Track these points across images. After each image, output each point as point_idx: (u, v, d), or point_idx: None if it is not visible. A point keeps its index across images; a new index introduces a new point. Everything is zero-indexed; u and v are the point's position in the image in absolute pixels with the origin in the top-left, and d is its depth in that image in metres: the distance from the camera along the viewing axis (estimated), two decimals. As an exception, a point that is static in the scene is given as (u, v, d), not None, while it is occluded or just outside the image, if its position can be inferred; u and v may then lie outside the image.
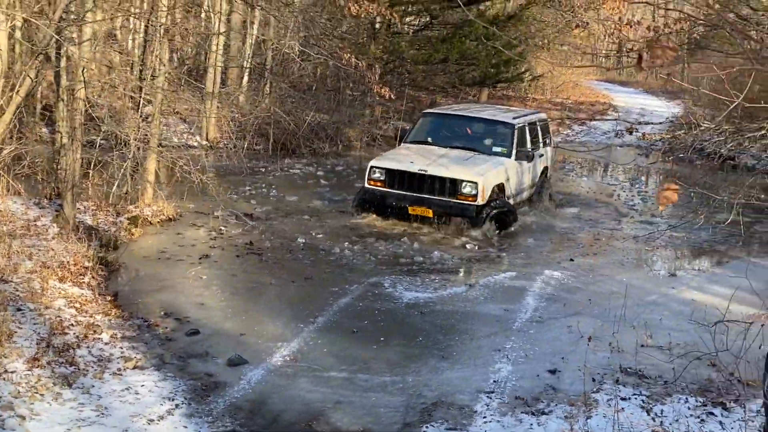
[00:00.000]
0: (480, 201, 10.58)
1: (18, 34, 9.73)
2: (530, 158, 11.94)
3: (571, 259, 9.80)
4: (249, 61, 18.97)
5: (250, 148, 16.65)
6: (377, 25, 19.34)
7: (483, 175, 10.74)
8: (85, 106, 9.62)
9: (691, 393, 5.85)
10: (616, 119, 23.56)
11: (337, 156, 16.94)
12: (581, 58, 29.28)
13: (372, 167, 11.10)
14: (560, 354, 6.62)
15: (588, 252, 10.34)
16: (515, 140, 11.78)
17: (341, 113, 18.84)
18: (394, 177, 10.90)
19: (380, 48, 18.91)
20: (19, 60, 10.61)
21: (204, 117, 16.87)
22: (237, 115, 17.47)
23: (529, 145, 12.20)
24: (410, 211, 10.83)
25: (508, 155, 11.67)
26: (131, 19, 15.90)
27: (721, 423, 5.39)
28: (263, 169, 14.71)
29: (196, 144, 16.51)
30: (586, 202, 13.79)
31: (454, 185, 10.64)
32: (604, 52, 31.57)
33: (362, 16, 10.16)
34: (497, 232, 10.77)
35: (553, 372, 6.25)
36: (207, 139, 16.99)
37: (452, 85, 21.11)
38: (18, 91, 7.07)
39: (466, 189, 10.57)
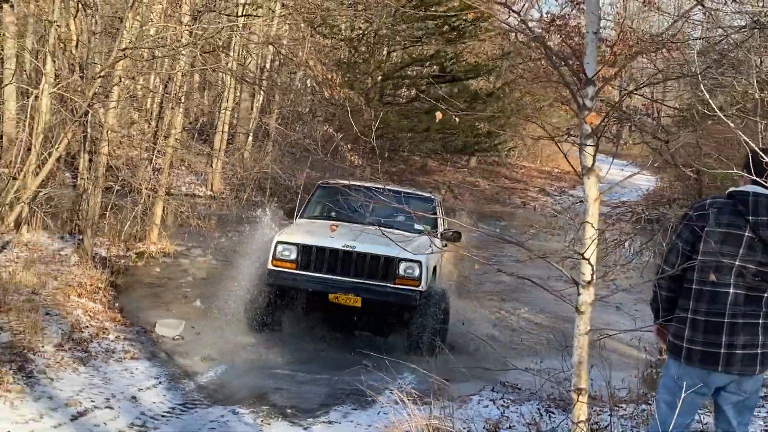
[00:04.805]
0: (423, 286, 8.67)
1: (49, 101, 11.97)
2: (457, 238, 9.66)
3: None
4: (254, 122, 21.31)
5: (249, 200, 18.86)
6: (371, 95, 21.68)
7: (424, 253, 8.42)
8: (107, 159, 11.81)
9: (543, 400, 7.79)
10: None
11: (327, 211, 19.10)
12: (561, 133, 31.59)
13: (279, 243, 8.85)
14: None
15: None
16: (438, 217, 9.98)
17: (333, 172, 21.06)
18: (310, 255, 8.75)
19: (372, 116, 21.22)
20: (57, 120, 12.86)
21: (210, 171, 19.16)
22: (240, 171, 19.74)
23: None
24: (331, 299, 8.68)
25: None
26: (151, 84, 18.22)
27: (552, 416, 7.34)
28: (258, 220, 16.81)
29: (201, 194, 18.76)
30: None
31: (389, 265, 8.63)
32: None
33: (336, 97, 12.35)
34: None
35: (447, 380, 8.22)
36: (212, 190, 19.23)
37: (435, 152, 23.32)
38: (57, 147, 9.22)
39: (407, 270, 8.63)
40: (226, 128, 19.42)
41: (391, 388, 7.81)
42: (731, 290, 3.94)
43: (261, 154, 20.36)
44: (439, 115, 3.73)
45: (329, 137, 17.99)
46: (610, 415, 7.17)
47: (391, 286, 8.62)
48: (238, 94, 21.13)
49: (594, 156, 2.85)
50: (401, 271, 8.62)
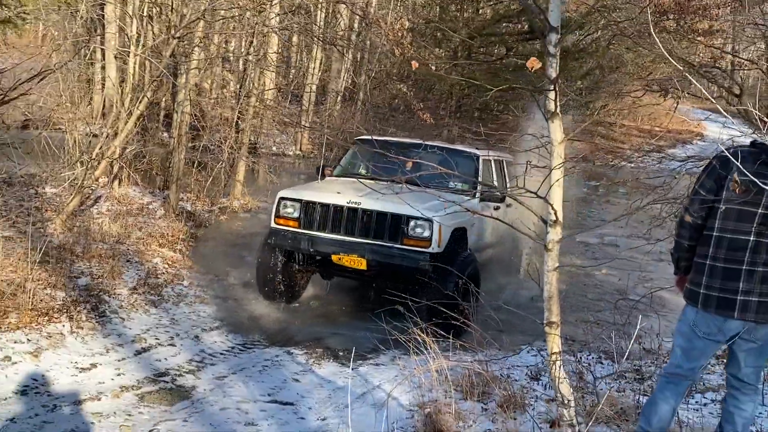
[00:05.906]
0: (435, 247, 7.82)
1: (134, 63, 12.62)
2: (500, 200, 8.95)
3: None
4: (343, 83, 21.72)
5: (336, 159, 19.33)
6: (458, 53, 21.66)
7: (438, 211, 7.70)
8: (191, 118, 12.40)
9: (593, 351, 7.90)
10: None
11: (412, 169, 19.42)
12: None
13: (282, 199, 8.29)
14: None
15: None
16: (479, 175, 9.14)
17: (420, 132, 21.24)
18: (313, 213, 8.13)
19: (459, 75, 21.22)
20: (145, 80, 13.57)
21: (299, 131, 19.72)
22: (327, 131, 20.22)
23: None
24: (334, 260, 8.08)
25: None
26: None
27: (601, 366, 7.46)
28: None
29: (290, 153, 19.36)
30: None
31: (397, 224, 7.87)
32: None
33: (404, 56, 12.44)
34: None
35: (500, 331, 8.41)
36: (300, 150, 19.80)
37: (524, 110, 23.09)
38: (138, 106, 9.80)
39: (416, 230, 7.84)
40: (314, 89, 19.89)
41: (418, 333, 8.13)
42: (752, 238, 4.00)
43: (348, 114, 20.76)
44: (414, 64, 3.90)
45: (405, 96, 18.17)
46: (658, 367, 7.24)
47: (398, 246, 7.85)
48: (333, 55, 21.55)
49: (556, 101, 3.01)
50: (410, 231, 7.84)
